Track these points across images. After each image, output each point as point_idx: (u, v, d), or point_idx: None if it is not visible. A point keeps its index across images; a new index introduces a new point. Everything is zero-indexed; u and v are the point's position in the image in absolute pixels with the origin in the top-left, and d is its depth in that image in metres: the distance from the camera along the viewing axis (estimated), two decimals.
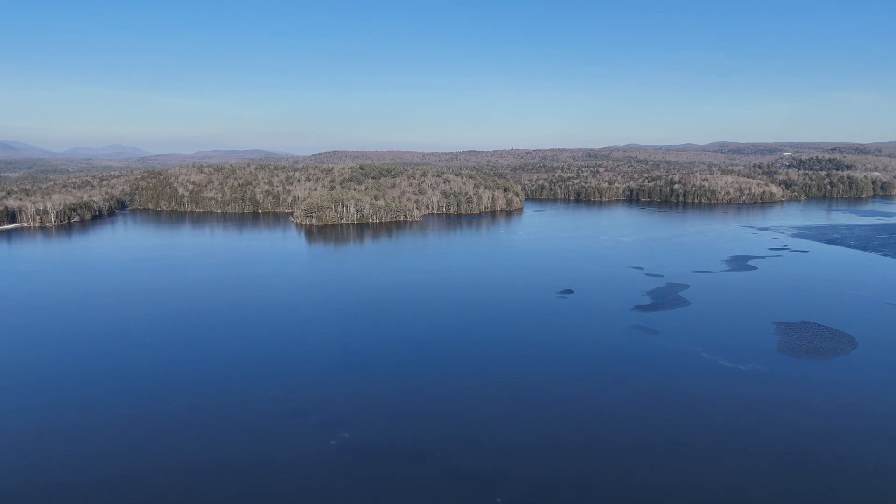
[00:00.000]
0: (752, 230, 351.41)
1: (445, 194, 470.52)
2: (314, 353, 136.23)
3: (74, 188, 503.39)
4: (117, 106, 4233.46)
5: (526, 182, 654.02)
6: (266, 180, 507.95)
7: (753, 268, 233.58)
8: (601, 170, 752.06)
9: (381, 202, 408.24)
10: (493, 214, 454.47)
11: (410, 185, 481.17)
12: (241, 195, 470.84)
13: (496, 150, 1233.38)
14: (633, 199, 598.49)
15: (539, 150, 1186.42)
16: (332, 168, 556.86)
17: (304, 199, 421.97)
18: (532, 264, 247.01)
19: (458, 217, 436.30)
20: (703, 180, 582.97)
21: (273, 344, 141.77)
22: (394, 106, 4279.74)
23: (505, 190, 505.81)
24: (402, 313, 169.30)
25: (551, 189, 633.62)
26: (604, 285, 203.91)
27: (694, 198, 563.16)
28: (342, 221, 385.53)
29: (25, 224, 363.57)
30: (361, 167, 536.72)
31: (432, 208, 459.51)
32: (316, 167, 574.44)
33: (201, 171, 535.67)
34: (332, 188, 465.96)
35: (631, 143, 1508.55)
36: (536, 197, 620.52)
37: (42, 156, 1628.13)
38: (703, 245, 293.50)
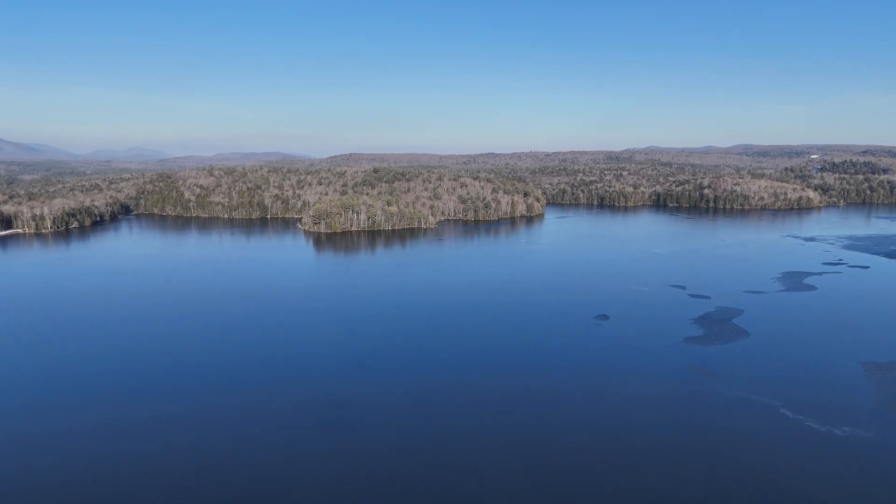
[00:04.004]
0: (797, 240, 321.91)
1: (462, 199, 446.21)
2: (322, 359, 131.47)
3: (81, 192, 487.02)
4: (139, 109, 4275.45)
5: (546, 186, 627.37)
6: (277, 184, 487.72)
7: (812, 287, 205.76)
8: (624, 173, 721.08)
9: (393, 208, 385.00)
10: (512, 221, 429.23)
11: (425, 189, 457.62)
12: (248, 200, 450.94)
13: (514, 153, 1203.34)
14: (659, 204, 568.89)
15: (558, 153, 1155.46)
16: (346, 171, 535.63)
17: (314, 205, 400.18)
18: (559, 281, 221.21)
19: (475, 224, 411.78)
20: (735, 185, 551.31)
21: (278, 352, 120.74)
22: (410, 107, 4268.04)
23: (525, 195, 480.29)
24: (409, 347, 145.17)
25: (573, 193, 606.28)
26: (643, 309, 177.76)
27: (725, 203, 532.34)
28: (352, 229, 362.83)
29: (21, 230, 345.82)
30: (375, 170, 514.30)
31: (448, 214, 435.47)
32: (328, 170, 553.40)
33: (211, 174, 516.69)
34: (344, 192, 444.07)
35: (651, 144, 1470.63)
36: (557, 202, 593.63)
37: (64, 158, 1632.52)
38: (748, 258, 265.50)
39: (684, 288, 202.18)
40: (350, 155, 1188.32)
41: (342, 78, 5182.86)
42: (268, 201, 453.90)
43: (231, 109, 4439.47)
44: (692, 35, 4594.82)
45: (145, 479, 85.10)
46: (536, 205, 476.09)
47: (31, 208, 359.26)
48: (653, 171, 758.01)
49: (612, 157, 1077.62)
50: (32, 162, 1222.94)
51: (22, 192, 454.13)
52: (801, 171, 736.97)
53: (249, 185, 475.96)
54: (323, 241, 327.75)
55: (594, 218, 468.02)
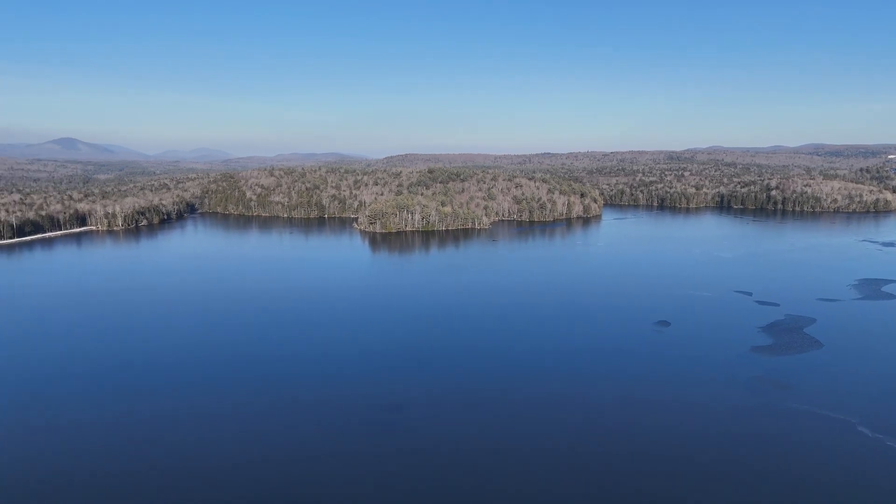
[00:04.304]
0: (875, 245, 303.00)
1: (517, 200, 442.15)
2: (374, 357, 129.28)
3: (150, 191, 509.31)
4: (205, 111, 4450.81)
5: (604, 186, 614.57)
6: (334, 184, 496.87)
7: (891, 296, 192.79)
8: (686, 173, 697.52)
9: (447, 209, 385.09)
10: (568, 222, 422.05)
11: (480, 189, 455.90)
12: (307, 199, 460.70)
13: (571, 152, 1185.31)
14: (723, 205, 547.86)
15: (617, 153, 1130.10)
16: (401, 172, 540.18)
17: (370, 205, 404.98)
18: (617, 285, 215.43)
19: (530, 225, 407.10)
20: (806, 186, 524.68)
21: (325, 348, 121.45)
22: (465, 107, 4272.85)
23: (581, 195, 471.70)
24: (463, 348, 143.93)
25: (632, 194, 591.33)
26: (707, 316, 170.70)
27: (794, 205, 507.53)
28: (406, 229, 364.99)
29: (94, 227, 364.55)
30: (430, 171, 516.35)
31: (502, 215, 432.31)
32: (384, 171, 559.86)
33: (271, 175, 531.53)
34: (399, 193, 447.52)
35: (714, 144, 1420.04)
36: (615, 203, 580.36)
37: (135, 158, 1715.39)
38: (820, 264, 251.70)
39: (751, 294, 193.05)
40: (406, 155, 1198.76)
41: (399, 79, 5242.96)
42: (325, 201, 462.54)
43: (292, 111, 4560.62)
44: (759, 31, 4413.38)
45: (231, 462, 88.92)
46: (594, 206, 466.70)
47: (104, 206, 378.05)
48: (716, 171, 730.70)
49: (672, 157, 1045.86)
50: (107, 162, 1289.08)
51: (96, 191, 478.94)
52: (877, 171, 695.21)
53: (308, 185, 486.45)
54: (378, 240, 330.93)
55: (654, 220, 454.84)
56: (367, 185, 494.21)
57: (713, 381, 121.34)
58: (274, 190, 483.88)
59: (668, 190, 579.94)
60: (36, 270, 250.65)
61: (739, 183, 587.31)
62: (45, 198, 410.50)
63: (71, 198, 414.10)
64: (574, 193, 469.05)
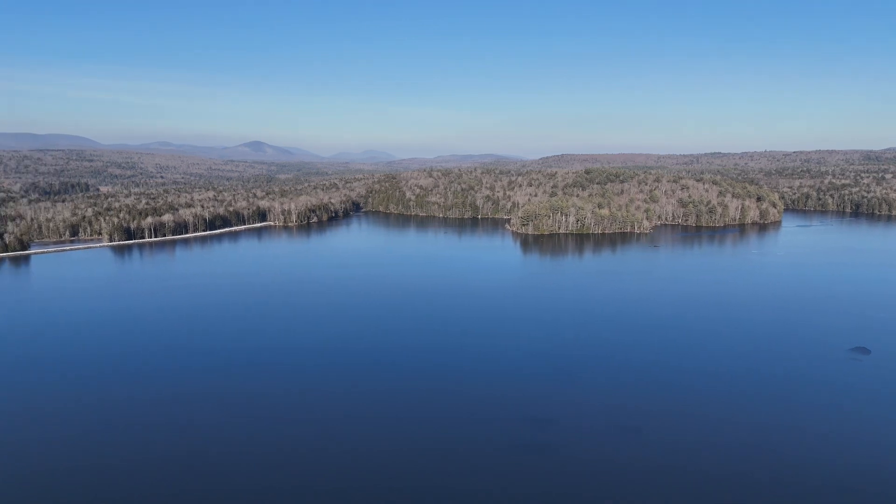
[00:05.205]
0: None
1: (682, 203, 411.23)
2: (519, 364, 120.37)
3: (322, 190, 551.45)
4: (374, 114, 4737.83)
5: (785, 190, 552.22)
6: (489, 185, 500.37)
7: None
8: (888, 175, 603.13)
9: (604, 211, 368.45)
10: (741, 228, 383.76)
11: (641, 191, 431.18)
12: (462, 200, 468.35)
13: (745, 152, 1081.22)
14: None
15: (801, 152, 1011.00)
16: (556, 173, 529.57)
17: (523, 206, 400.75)
18: (800, 301, 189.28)
19: (696, 230, 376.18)
20: None
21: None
22: (624, 106, 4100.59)
23: (758, 199, 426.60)
24: (619, 361, 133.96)
25: (819, 199, 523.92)
26: None
27: None
28: (560, 231, 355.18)
29: (272, 223, 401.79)
30: (587, 171, 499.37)
31: (665, 219, 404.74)
32: (539, 172, 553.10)
33: (430, 176, 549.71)
34: (554, 194, 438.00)
35: None
36: (798, 208, 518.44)
37: (311, 160, 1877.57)
38: None
39: None
40: (561, 156, 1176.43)
41: (555, 79, 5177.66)
42: (479, 202, 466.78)
43: (452, 113, 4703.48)
44: None
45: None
46: (772, 210, 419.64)
47: (282, 204, 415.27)
48: None
49: (870, 156, 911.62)
50: (288, 163, 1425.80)
51: (276, 190, 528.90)
52: None
53: (464, 186, 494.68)
54: (530, 242, 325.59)
55: (848, 228, 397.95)
56: (520, 186, 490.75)
57: None
58: (431, 190, 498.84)
59: (865, 194, 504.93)
60: (221, 261, 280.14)
61: None
62: (234, 195, 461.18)
63: (255, 195, 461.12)
64: (749, 197, 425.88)
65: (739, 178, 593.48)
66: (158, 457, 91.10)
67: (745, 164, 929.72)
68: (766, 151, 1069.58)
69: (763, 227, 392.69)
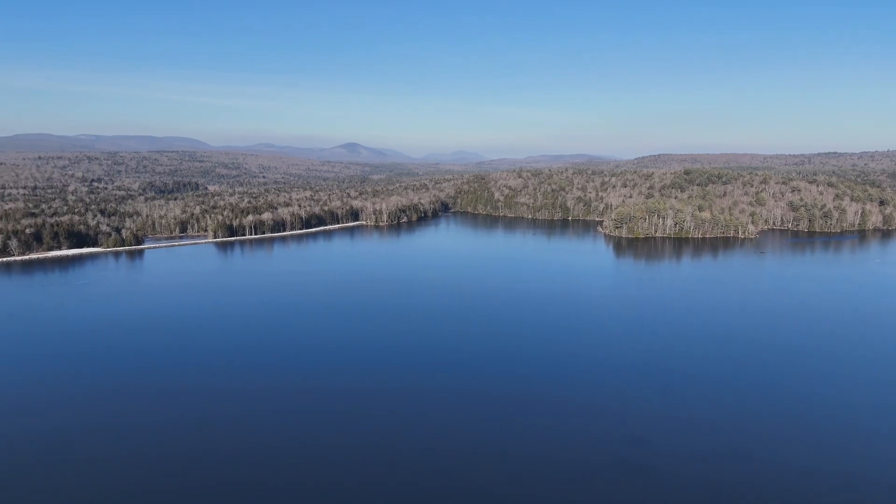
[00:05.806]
0: None
1: (793, 206, 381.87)
2: (615, 377, 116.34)
3: (412, 191, 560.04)
4: (464, 115, 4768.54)
5: None
6: (580, 186, 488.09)
7: None
8: None
9: (706, 214, 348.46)
10: (861, 234, 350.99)
11: (746, 193, 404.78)
12: (552, 201, 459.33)
13: (865, 152, 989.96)
14: None
15: None
16: (652, 173, 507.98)
17: (616, 208, 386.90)
18: None
19: (808, 236, 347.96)
20: None
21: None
22: (726, 103, 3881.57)
23: (881, 203, 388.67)
24: (725, 379, 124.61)
25: None
26: None
27: None
28: (656, 234, 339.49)
29: (364, 222, 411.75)
30: (686, 172, 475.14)
31: (773, 223, 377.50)
32: (634, 172, 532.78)
33: (519, 176, 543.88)
34: (650, 195, 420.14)
35: None
36: None
37: (403, 161, 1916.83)
38: None
39: None
40: (658, 156, 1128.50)
41: (651, 76, 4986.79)
42: (570, 203, 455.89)
43: (542, 112, 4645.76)
44: None
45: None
46: None
47: (374, 204, 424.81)
48: None
49: None
50: (381, 164, 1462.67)
51: (368, 190, 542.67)
52: None
53: (554, 187, 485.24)
54: (623, 246, 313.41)
55: None
56: (614, 186, 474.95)
57: None
58: (520, 191, 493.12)
59: None
60: (316, 259, 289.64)
61: None
62: (329, 195, 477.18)
63: (348, 195, 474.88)
64: (871, 200, 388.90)
65: (859, 179, 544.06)
66: (253, 448, 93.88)
67: (865, 164, 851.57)
68: (889, 151, 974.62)
69: (887, 233, 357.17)
